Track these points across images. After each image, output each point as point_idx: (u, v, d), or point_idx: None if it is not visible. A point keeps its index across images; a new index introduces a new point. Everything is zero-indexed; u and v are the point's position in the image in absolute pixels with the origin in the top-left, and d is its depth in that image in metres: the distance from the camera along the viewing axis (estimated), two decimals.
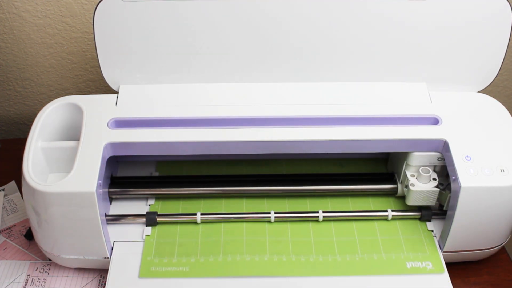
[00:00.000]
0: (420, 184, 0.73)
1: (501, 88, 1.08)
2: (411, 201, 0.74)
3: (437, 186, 0.73)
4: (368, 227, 0.75)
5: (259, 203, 0.78)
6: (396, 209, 0.77)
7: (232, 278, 0.69)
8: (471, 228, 0.70)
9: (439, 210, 0.76)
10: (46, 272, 0.75)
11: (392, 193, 0.78)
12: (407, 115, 0.74)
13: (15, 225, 0.82)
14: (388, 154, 0.83)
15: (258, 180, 0.79)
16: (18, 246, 0.79)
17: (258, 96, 0.76)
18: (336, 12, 0.72)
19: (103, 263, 0.72)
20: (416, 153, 0.72)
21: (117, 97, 0.76)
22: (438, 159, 0.72)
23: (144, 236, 0.73)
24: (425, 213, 0.75)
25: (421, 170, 0.73)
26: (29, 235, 0.80)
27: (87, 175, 0.67)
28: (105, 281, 0.71)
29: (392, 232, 0.75)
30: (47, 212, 0.67)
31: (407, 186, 0.74)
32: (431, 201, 0.74)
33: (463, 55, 0.76)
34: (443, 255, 0.72)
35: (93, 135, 0.71)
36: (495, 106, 0.77)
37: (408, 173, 0.74)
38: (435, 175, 0.73)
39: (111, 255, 0.72)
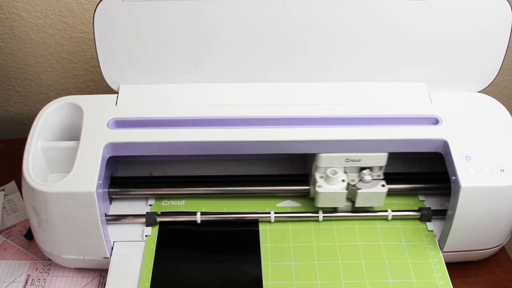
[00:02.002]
0: (328, 186, 0.72)
1: (501, 88, 1.08)
2: (319, 202, 0.73)
3: (347, 187, 0.72)
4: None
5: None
6: (396, 209, 0.77)
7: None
8: (471, 228, 0.70)
9: (440, 210, 0.76)
10: (46, 272, 0.75)
11: (305, 195, 0.78)
12: (407, 115, 0.74)
13: (15, 225, 0.82)
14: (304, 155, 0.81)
15: (259, 180, 0.79)
16: (18, 246, 0.79)
17: (258, 96, 0.76)
18: (336, 13, 0.72)
19: (103, 263, 0.72)
20: (323, 155, 0.71)
21: (117, 97, 0.76)
22: (346, 160, 0.72)
23: (144, 236, 0.74)
24: (425, 213, 0.75)
25: (329, 171, 0.72)
26: (29, 235, 0.80)
27: (87, 175, 0.67)
28: (105, 281, 0.71)
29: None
30: (47, 212, 0.67)
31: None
32: (340, 203, 0.73)
33: (463, 55, 0.76)
34: (443, 255, 0.72)
35: (93, 135, 0.71)
36: (495, 106, 0.77)
37: (317, 175, 0.73)
38: (344, 177, 0.73)
39: (111, 255, 0.72)
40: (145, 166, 0.83)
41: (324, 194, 0.72)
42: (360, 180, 0.73)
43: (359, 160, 0.72)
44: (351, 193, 0.73)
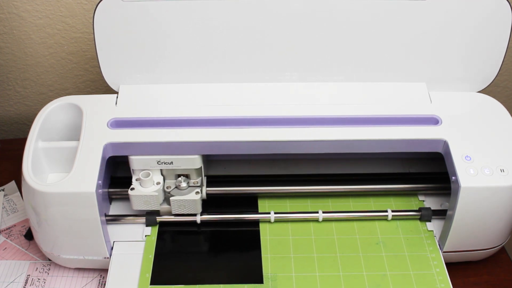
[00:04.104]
0: (141, 188, 0.72)
1: (501, 88, 1.08)
2: (133, 205, 0.72)
3: (163, 191, 0.72)
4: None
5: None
6: (396, 209, 0.77)
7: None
8: (471, 228, 0.70)
9: (439, 210, 0.76)
10: (46, 272, 0.75)
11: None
12: (407, 115, 0.74)
13: (15, 225, 0.82)
14: None
15: (259, 180, 0.80)
16: (18, 246, 0.79)
17: (258, 96, 0.76)
18: (336, 13, 0.72)
19: (103, 263, 0.72)
20: (133, 157, 0.71)
21: (117, 97, 0.76)
22: (158, 163, 0.71)
23: (144, 236, 0.74)
24: (425, 213, 0.75)
25: (141, 174, 0.72)
26: (29, 235, 0.80)
27: (87, 175, 0.67)
28: (105, 281, 0.71)
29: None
30: (47, 212, 0.67)
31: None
32: (154, 205, 0.72)
33: (463, 55, 0.76)
34: (443, 255, 0.72)
35: (93, 135, 0.71)
36: (495, 106, 0.77)
37: (134, 177, 0.73)
38: (160, 179, 0.72)
39: (111, 255, 0.72)
40: None
41: (136, 197, 0.71)
42: (176, 187, 0.73)
43: (171, 162, 0.71)
44: (167, 199, 0.73)
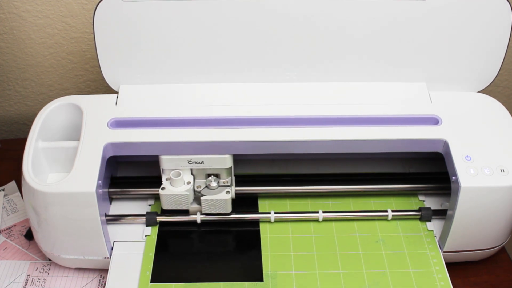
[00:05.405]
0: (172, 188, 0.72)
1: (501, 88, 1.08)
2: (164, 205, 0.72)
3: (193, 190, 0.72)
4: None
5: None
6: (396, 209, 0.77)
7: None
8: (471, 228, 0.70)
9: (439, 210, 0.76)
10: (46, 272, 0.75)
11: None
12: (407, 115, 0.74)
13: (15, 225, 0.83)
14: None
15: (259, 180, 0.80)
16: (18, 246, 0.79)
17: (258, 96, 0.76)
18: (336, 12, 0.72)
19: (103, 263, 0.72)
20: (163, 157, 0.71)
21: (117, 97, 0.76)
22: (188, 162, 0.71)
23: (144, 236, 0.74)
24: (425, 213, 0.75)
25: (172, 174, 0.72)
26: (29, 235, 0.80)
27: (87, 175, 0.67)
28: (105, 281, 0.71)
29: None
30: (47, 212, 0.67)
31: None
32: (185, 205, 0.72)
33: (463, 55, 0.76)
34: (443, 255, 0.72)
35: (93, 135, 0.71)
36: (495, 106, 0.77)
37: (164, 177, 0.73)
38: (190, 179, 0.72)
39: (111, 255, 0.72)
40: (145, 166, 0.83)
41: (167, 197, 0.71)
42: (206, 187, 0.73)
43: (202, 162, 0.71)
44: (198, 198, 0.73)
